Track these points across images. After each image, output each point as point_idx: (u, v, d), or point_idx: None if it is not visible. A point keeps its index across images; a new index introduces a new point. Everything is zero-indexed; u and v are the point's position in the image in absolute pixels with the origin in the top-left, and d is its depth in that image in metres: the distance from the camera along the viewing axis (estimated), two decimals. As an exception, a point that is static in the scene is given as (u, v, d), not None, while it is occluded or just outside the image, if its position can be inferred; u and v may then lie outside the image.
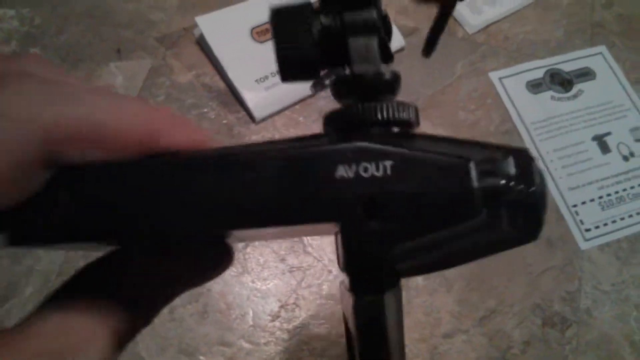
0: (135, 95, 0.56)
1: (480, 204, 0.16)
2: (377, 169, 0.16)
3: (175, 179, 0.16)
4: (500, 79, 0.59)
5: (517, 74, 0.59)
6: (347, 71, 0.20)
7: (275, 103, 0.57)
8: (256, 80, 0.57)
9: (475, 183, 0.16)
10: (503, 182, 0.16)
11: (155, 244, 0.18)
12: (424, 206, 0.16)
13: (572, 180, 0.54)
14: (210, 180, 0.16)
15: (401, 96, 0.57)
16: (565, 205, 0.53)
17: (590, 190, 0.54)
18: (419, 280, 0.49)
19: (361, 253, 0.17)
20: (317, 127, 0.55)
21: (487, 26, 0.63)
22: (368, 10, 0.20)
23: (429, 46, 0.30)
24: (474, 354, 0.47)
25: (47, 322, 0.16)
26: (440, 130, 0.56)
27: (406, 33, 0.61)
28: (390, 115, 0.18)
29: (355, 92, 0.20)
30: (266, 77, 0.57)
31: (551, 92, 0.59)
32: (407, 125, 0.19)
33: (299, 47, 0.20)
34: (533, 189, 0.17)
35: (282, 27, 0.20)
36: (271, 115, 0.57)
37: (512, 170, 0.16)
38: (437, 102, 0.58)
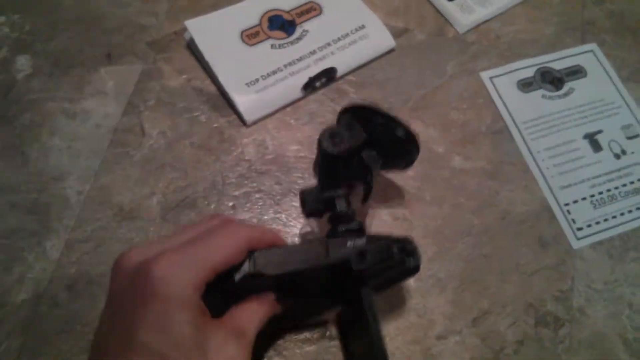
0: (126, 100, 0.56)
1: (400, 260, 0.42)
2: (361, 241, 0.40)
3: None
4: (491, 78, 0.59)
5: (508, 73, 0.59)
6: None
7: (266, 106, 0.57)
8: (247, 84, 0.57)
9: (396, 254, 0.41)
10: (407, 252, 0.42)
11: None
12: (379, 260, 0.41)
13: (564, 179, 0.54)
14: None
15: (393, 95, 0.58)
16: (557, 204, 0.53)
17: (582, 188, 0.53)
18: (411, 282, 0.49)
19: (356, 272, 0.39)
20: (307, 129, 0.55)
21: (478, 25, 0.63)
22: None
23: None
24: (468, 354, 0.47)
25: (233, 310, 0.38)
26: (431, 131, 0.56)
27: (396, 34, 0.61)
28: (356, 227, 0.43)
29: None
30: (257, 80, 0.57)
31: (542, 91, 0.59)
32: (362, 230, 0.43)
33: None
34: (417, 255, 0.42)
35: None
36: (262, 118, 0.57)
37: (410, 247, 0.42)
38: (428, 102, 0.58)
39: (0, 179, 0.52)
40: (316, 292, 0.45)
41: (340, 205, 0.43)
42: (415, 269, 0.43)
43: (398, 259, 0.41)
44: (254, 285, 0.39)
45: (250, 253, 0.38)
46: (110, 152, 0.54)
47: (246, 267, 0.38)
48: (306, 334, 0.47)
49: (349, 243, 0.40)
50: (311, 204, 0.44)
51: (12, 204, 0.51)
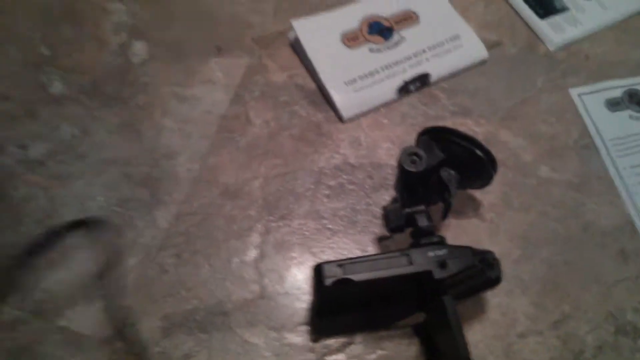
0: (233, 90, 0.61)
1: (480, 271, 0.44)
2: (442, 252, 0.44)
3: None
4: (579, 95, 0.61)
5: (597, 92, 0.62)
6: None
7: (362, 105, 0.60)
8: (345, 83, 0.60)
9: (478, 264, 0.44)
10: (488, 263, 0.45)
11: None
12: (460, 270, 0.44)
13: (649, 197, 0.56)
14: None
15: (483, 104, 0.61)
16: (639, 219, 0.54)
17: (666, 207, 0.55)
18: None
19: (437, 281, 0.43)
20: (399, 130, 0.58)
21: (568, 44, 0.65)
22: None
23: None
24: (548, 355, 0.49)
25: None
26: (520, 140, 0.59)
27: (489, 46, 0.64)
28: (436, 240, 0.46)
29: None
30: (354, 80, 0.60)
31: (629, 111, 0.60)
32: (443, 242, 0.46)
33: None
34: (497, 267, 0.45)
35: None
36: (358, 116, 0.60)
37: (490, 258, 0.45)
38: (517, 113, 0.60)
39: (116, 153, 0.57)
40: (399, 300, 0.48)
41: (421, 221, 0.47)
42: (496, 280, 0.46)
43: (478, 270, 0.44)
44: (343, 291, 0.43)
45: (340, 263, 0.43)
46: (219, 136, 0.58)
47: (337, 273, 0.42)
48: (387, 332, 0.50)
49: (431, 253, 0.44)
50: (394, 221, 0.48)
51: (127, 176, 0.56)
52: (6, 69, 0.61)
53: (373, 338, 0.49)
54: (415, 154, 0.47)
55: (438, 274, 0.43)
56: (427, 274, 0.43)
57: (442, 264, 0.43)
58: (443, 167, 0.49)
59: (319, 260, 0.45)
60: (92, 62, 0.62)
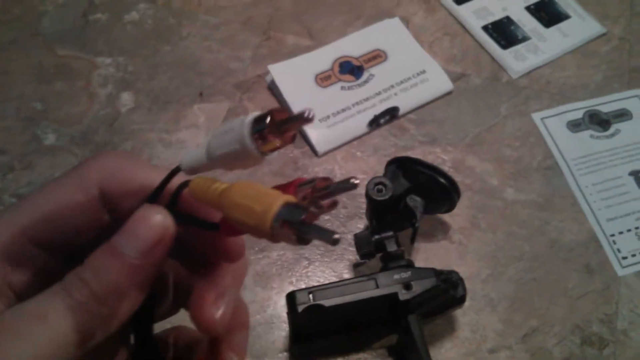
0: (214, 132, 0.65)
1: (444, 290, 0.47)
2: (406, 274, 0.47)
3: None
4: (542, 119, 0.65)
5: (558, 114, 0.65)
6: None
7: (335, 139, 0.64)
8: (319, 120, 0.64)
9: (442, 284, 0.47)
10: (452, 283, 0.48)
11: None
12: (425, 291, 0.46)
13: (610, 212, 0.58)
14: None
15: (450, 133, 0.65)
16: (603, 235, 0.57)
17: (627, 221, 0.58)
18: (466, 301, 0.54)
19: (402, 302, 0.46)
20: (372, 161, 0.61)
21: (530, 72, 0.69)
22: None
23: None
24: (517, 368, 0.51)
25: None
26: (486, 165, 0.62)
27: (455, 78, 0.68)
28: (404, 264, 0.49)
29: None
30: (328, 117, 0.64)
31: (590, 131, 0.64)
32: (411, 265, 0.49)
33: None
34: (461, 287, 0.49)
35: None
36: (332, 150, 0.64)
37: (454, 278, 0.48)
38: (483, 139, 0.64)
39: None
40: (373, 322, 0.51)
41: (390, 246, 0.50)
42: (461, 299, 0.49)
43: (442, 289, 0.47)
44: (316, 317, 0.46)
45: (310, 290, 0.46)
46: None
47: (308, 300, 0.45)
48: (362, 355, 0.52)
49: (396, 276, 0.47)
50: (364, 247, 0.51)
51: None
52: (3, 123, 0.65)
53: (350, 360, 0.52)
54: (381, 183, 0.51)
55: (403, 295, 0.46)
56: (393, 295, 0.46)
57: (407, 286, 0.46)
58: (409, 195, 0.52)
59: (297, 289, 0.48)
60: (82, 114, 0.66)
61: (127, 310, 0.21)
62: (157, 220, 0.22)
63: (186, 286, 0.27)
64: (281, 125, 0.20)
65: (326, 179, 0.21)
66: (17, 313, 0.20)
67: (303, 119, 0.19)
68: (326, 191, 0.21)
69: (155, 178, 0.24)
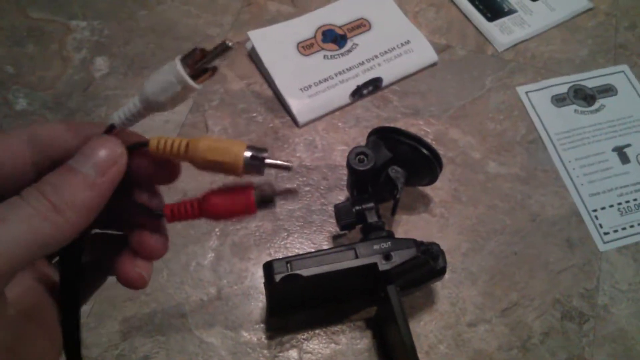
0: (192, 100, 0.63)
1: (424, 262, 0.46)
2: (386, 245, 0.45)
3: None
4: (526, 93, 0.64)
5: (543, 88, 0.64)
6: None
7: (317, 109, 0.62)
8: (300, 89, 0.62)
9: (422, 256, 0.46)
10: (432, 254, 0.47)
11: None
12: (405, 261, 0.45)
13: (593, 187, 0.58)
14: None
15: (434, 105, 0.63)
16: (585, 210, 0.56)
17: (610, 196, 0.57)
18: (445, 274, 0.53)
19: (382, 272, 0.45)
20: (354, 132, 0.60)
21: (515, 45, 0.68)
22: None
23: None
24: (496, 342, 0.50)
25: None
26: (469, 138, 0.61)
27: (439, 50, 0.67)
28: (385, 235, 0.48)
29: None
30: (309, 86, 0.63)
31: (575, 106, 0.63)
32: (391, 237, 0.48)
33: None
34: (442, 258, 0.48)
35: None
36: (313, 121, 0.62)
37: (435, 249, 0.47)
38: (467, 112, 0.63)
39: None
40: (351, 294, 0.50)
41: (371, 217, 0.49)
42: (441, 271, 0.48)
43: (422, 260, 0.46)
44: (293, 287, 0.45)
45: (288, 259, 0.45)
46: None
47: (286, 269, 0.44)
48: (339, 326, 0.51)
49: (376, 247, 0.46)
50: (344, 218, 0.50)
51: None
52: (-29, 87, 0.63)
53: (327, 333, 0.51)
54: (363, 153, 0.50)
55: (382, 265, 0.45)
56: (372, 266, 0.45)
57: (387, 256, 0.45)
58: (391, 166, 0.51)
59: (275, 259, 0.46)
60: (55, 78, 0.64)
61: (81, 224, 0.23)
62: (113, 143, 0.24)
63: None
64: (205, 60, 0.24)
65: (202, 49, 0.24)
66: None
67: (224, 48, 0.23)
68: (206, 59, 0.24)
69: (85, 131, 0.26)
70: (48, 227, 0.22)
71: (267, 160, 0.25)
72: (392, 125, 0.56)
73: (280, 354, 0.50)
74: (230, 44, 0.23)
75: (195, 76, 0.25)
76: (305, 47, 0.65)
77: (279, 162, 0.25)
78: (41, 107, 0.62)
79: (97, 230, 0.29)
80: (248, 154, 0.25)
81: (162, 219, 0.26)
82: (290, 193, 0.26)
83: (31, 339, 0.25)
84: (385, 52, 0.65)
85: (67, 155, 0.24)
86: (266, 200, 0.25)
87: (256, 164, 0.25)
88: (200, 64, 0.24)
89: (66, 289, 0.26)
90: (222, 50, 0.23)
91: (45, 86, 0.64)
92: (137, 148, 0.26)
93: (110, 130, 0.26)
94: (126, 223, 0.28)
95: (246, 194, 0.25)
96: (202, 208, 0.26)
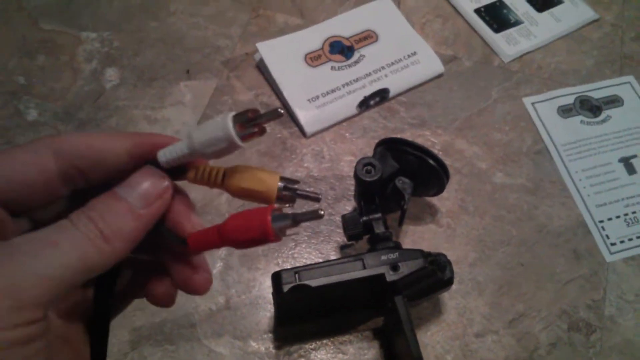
0: (202, 110, 0.63)
1: (431, 272, 0.47)
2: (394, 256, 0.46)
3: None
4: (533, 103, 0.64)
5: (549, 99, 0.64)
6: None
7: (324, 120, 0.63)
8: (308, 100, 0.63)
9: (429, 266, 0.46)
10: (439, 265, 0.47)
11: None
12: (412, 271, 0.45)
13: (600, 198, 0.58)
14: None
15: (440, 116, 0.64)
16: (592, 221, 0.57)
17: (616, 207, 0.57)
18: (452, 285, 0.53)
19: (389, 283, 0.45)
20: (361, 142, 0.61)
21: (522, 56, 0.68)
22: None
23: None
24: (503, 353, 0.51)
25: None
26: (475, 148, 0.61)
27: (445, 61, 0.67)
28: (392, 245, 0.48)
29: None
30: (317, 97, 0.63)
31: (581, 117, 0.63)
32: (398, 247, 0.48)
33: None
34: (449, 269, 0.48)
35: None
36: (320, 131, 0.62)
37: (442, 260, 0.47)
38: (473, 123, 0.63)
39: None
40: (359, 304, 0.51)
41: (378, 228, 0.49)
42: (449, 281, 0.48)
43: (429, 271, 0.46)
44: (301, 297, 0.45)
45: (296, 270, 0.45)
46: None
47: (294, 280, 0.44)
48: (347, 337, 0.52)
49: (383, 257, 0.46)
50: (352, 228, 0.50)
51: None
52: (-17, 98, 0.64)
53: (334, 343, 0.51)
54: (370, 164, 0.50)
55: (390, 276, 0.45)
56: (380, 276, 0.45)
57: (394, 267, 0.46)
58: (398, 177, 0.51)
59: (283, 269, 0.47)
60: (66, 89, 0.65)
61: (123, 252, 0.23)
62: (161, 177, 0.25)
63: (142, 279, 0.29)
64: (255, 120, 0.24)
65: (255, 110, 0.24)
66: (29, 239, 0.22)
67: (275, 114, 0.24)
68: (257, 121, 0.24)
69: (116, 143, 0.25)
70: (96, 253, 0.22)
71: (299, 191, 0.26)
72: (398, 135, 0.56)
73: (288, 364, 0.50)
74: (282, 111, 0.24)
75: (244, 134, 0.25)
76: (313, 59, 0.66)
77: (309, 192, 0.26)
78: (52, 117, 0.63)
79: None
80: (281, 184, 0.25)
81: (200, 255, 0.27)
82: (313, 215, 0.24)
83: None
84: (392, 63, 0.66)
85: (97, 168, 0.25)
86: (284, 221, 0.24)
87: (288, 194, 0.26)
88: (251, 124, 0.24)
89: (99, 315, 0.27)
90: (274, 116, 0.24)
91: (56, 97, 0.65)
92: (175, 176, 0.26)
93: (152, 164, 0.26)
94: (156, 248, 0.28)
95: (262, 216, 0.25)
96: (221, 233, 0.26)
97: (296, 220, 0.24)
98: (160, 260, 0.28)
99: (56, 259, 0.21)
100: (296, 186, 0.26)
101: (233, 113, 0.24)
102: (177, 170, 0.26)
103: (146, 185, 0.24)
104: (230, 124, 0.24)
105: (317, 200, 0.26)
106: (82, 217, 0.23)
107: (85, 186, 0.26)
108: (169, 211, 0.26)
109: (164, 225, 0.26)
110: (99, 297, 0.27)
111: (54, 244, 0.21)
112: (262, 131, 0.25)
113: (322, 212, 0.24)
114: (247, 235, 0.25)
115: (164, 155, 0.26)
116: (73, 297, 0.27)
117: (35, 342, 0.21)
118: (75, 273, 0.22)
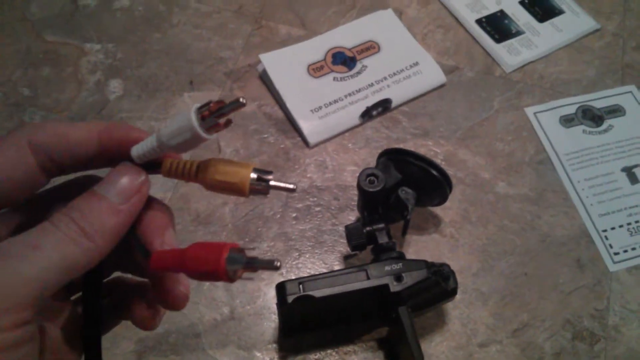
0: (205, 121, 0.64)
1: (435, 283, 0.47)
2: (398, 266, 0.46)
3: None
4: (535, 113, 0.64)
5: (551, 109, 0.65)
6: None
7: (327, 131, 0.63)
8: (311, 110, 0.63)
9: (433, 277, 0.46)
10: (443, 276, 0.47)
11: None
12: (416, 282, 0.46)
13: (602, 207, 0.58)
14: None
15: (443, 126, 0.64)
16: (595, 230, 0.57)
17: (619, 217, 0.57)
18: (456, 295, 0.53)
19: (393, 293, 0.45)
20: (363, 153, 0.61)
21: (523, 66, 0.68)
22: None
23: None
24: (507, 362, 0.51)
25: None
26: (478, 159, 0.61)
27: (448, 71, 0.67)
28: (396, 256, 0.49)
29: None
30: (320, 108, 0.64)
31: (583, 127, 0.63)
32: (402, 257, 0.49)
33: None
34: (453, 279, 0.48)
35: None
36: (323, 142, 0.63)
37: (446, 270, 0.47)
38: (476, 133, 0.63)
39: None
40: (363, 314, 0.51)
41: (381, 238, 0.50)
42: (452, 291, 0.48)
43: (433, 282, 0.47)
44: (306, 308, 0.46)
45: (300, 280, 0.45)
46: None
47: (297, 290, 0.45)
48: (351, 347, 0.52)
49: (387, 268, 0.46)
50: (355, 239, 0.50)
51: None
52: (-12, 110, 0.64)
53: (339, 353, 0.51)
54: (373, 175, 0.50)
55: (394, 287, 0.45)
56: (384, 287, 0.46)
57: (398, 277, 0.46)
58: (401, 187, 0.51)
59: (287, 280, 0.47)
60: (70, 100, 0.65)
61: (107, 248, 0.24)
62: (136, 171, 0.25)
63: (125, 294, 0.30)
64: (218, 112, 0.24)
65: (219, 101, 0.24)
66: (14, 242, 0.22)
67: (237, 104, 0.24)
68: (220, 112, 0.24)
69: (84, 131, 0.26)
70: (79, 251, 0.23)
71: (272, 182, 0.26)
72: (401, 146, 0.57)
73: (293, 375, 0.50)
74: (244, 101, 0.24)
75: (208, 125, 0.25)
76: (316, 69, 0.67)
77: (283, 184, 0.26)
78: (57, 129, 0.63)
79: (119, 274, 0.30)
80: (254, 175, 0.25)
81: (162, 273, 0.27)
82: (269, 265, 0.24)
83: None
84: (394, 74, 0.66)
85: (69, 156, 0.26)
86: (237, 263, 0.24)
87: (262, 186, 0.25)
88: (214, 115, 0.24)
89: (89, 315, 0.27)
90: (236, 106, 0.24)
91: (60, 108, 0.65)
92: (150, 171, 0.26)
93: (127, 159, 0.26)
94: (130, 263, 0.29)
95: (219, 250, 0.24)
96: (182, 258, 0.25)
97: (250, 264, 0.24)
98: (143, 278, 0.29)
99: (41, 262, 0.22)
100: (270, 177, 0.26)
101: (198, 105, 0.25)
102: (152, 165, 0.26)
103: (124, 181, 0.25)
104: (193, 115, 0.24)
105: (292, 191, 0.26)
106: (63, 217, 0.23)
107: (59, 174, 0.27)
108: (144, 223, 0.26)
109: (134, 233, 0.26)
110: (87, 296, 0.27)
111: (38, 247, 0.22)
112: (227, 123, 0.25)
113: (278, 264, 0.24)
114: (201, 267, 0.24)
115: (136, 151, 0.26)
116: (66, 313, 0.27)
117: (24, 345, 0.21)
118: (59, 273, 0.22)
